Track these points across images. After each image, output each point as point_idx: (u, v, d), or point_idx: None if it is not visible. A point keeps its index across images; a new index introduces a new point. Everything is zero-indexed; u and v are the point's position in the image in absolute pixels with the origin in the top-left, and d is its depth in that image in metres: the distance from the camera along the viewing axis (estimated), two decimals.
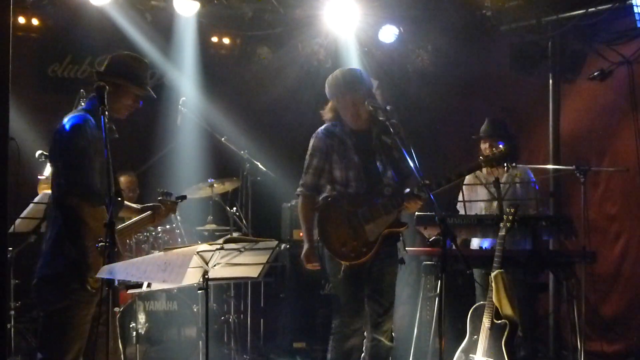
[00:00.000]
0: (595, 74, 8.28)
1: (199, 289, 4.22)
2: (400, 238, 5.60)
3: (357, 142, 5.45)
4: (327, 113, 5.59)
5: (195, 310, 7.14)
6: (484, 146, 7.29)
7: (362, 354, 5.49)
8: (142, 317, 6.82)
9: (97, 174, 4.42)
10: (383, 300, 5.45)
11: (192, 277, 4.10)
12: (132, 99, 4.69)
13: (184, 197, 5.17)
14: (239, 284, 8.20)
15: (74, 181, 4.36)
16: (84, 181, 4.35)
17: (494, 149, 7.17)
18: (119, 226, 4.71)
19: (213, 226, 7.95)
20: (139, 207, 4.93)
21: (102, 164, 4.48)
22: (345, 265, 5.31)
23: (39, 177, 6.91)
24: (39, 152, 6.56)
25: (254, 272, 4.39)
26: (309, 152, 5.55)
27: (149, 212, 4.81)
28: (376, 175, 5.43)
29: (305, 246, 5.47)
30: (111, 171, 4.06)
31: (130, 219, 4.90)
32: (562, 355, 8.23)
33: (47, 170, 6.67)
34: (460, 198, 7.27)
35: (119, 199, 4.64)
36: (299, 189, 5.57)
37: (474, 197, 7.30)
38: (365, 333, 5.48)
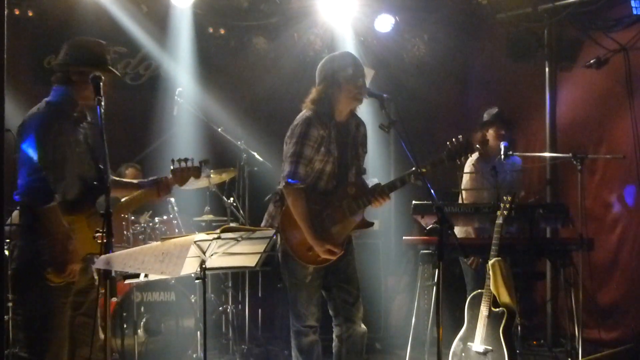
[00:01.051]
0: (592, 61, 8.27)
1: (197, 279, 4.21)
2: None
3: (338, 134, 5.19)
4: (314, 93, 5.21)
5: (193, 300, 7.15)
6: (492, 133, 7.28)
7: (335, 343, 5.32)
8: (140, 308, 6.83)
9: (64, 169, 4.43)
10: (351, 288, 5.27)
11: (189, 266, 4.09)
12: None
13: (206, 161, 4.93)
14: (237, 274, 8.20)
15: (20, 182, 4.40)
16: (28, 183, 4.36)
17: (499, 134, 7.23)
18: (123, 199, 4.73)
19: (210, 217, 7.93)
20: (137, 181, 4.91)
21: (79, 155, 4.48)
22: (313, 268, 5.12)
23: None
24: None
25: (251, 261, 4.38)
26: (298, 139, 5.09)
27: (151, 187, 4.78)
28: (345, 171, 5.23)
29: (317, 244, 5.03)
30: (88, 158, 4.05)
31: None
32: (559, 343, 8.25)
33: None
34: (464, 186, 7.28)
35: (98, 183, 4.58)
36: (288, 180, 5.07)
37: (476, 185, 7.29)
38: (335, 324, 5.32)
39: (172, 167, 4.79)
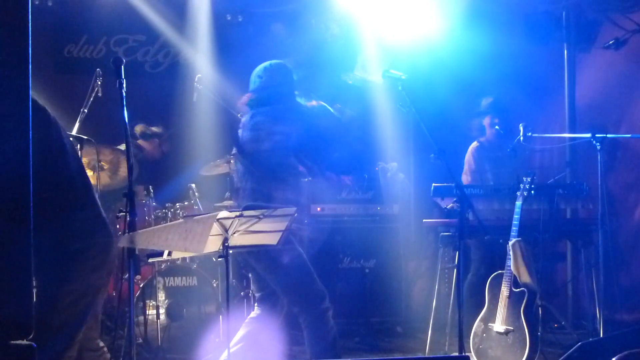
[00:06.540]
0: (610, 42, 8.26)
1: (219, 257, 4.22)
2: None
3: None
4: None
5: (215, 285, 7.18)
6: (487, 121, 7.47)
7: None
8: (162, 294, 6.87)
9: None
10: None
11: (212, 245, 4.11)
12: None
13: None
14: (259, 258, 8.21)
15: None
16: None
17: (494, 123, 7.35)
18: None
19: (231, 202, 7.93)
20: None
21: None
22: None
23: None
24: None
25: (273, 239, 4.40)
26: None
27: None
28: None
29: None
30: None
31: None
32: (580, 325, 8.22)
33: None
34: (465, 169, 7.34)
35: None
36: None
37: (480, 168, 7.39)
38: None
39: None
